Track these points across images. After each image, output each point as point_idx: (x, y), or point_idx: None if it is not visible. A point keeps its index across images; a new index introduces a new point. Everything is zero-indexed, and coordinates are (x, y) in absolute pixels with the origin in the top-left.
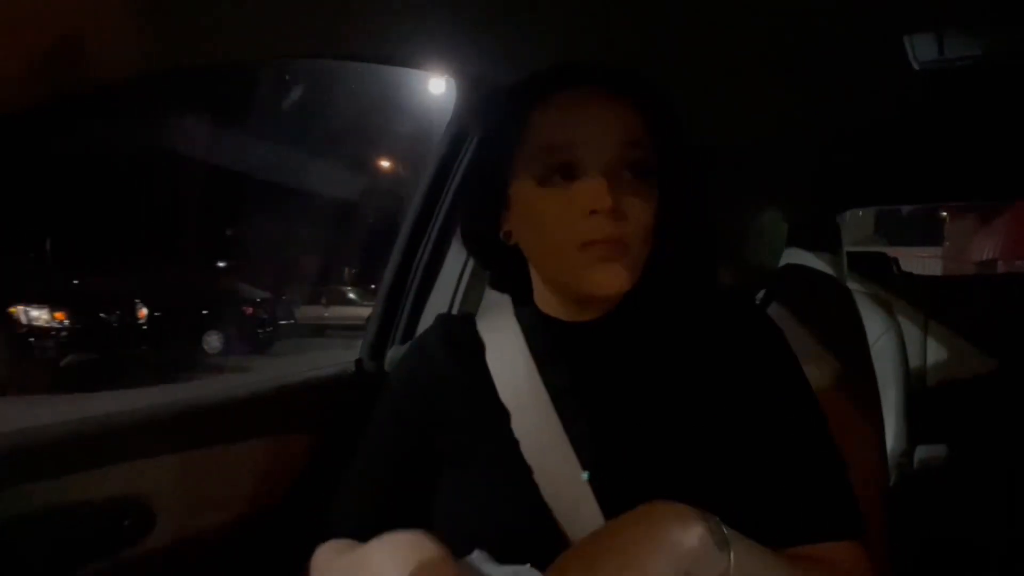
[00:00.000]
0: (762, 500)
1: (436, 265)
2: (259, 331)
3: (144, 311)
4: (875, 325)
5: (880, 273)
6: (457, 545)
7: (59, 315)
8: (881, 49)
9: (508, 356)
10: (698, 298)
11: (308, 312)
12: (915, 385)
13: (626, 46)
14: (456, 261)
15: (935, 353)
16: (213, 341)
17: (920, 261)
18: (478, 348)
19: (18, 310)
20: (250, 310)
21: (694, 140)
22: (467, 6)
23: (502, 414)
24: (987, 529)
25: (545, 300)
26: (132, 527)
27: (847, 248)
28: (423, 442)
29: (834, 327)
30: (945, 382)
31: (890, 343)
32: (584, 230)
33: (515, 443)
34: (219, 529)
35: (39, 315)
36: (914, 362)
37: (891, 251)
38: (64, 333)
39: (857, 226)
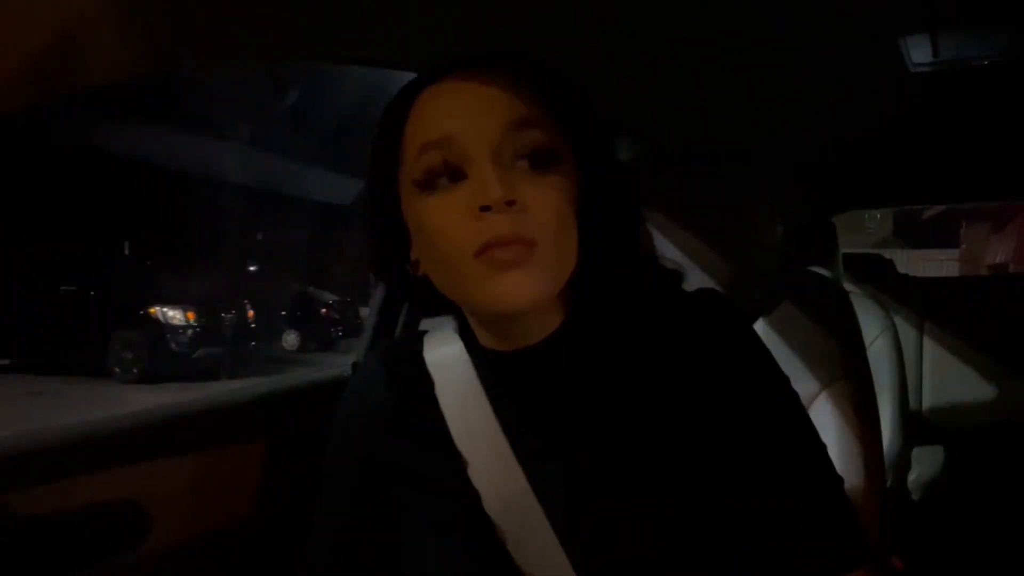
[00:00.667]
0: (756, 539)
1: None
2: (331, 330)
3: (252, 312)
4: (871, 326)
5: (876, 274)
6: None
7: (190, 315)
8: (876, 51)
9: (458, 392)
10: (655, 304)
11: (365, 313)
12: (912, 386)
13: (620, 50)
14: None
15: (931, 354)
16: (291, 339)
17: (939, 263)
18: (427, 382)
19: (157, 311)
20: (325, 311)
21: (691, 144)
22: (466, 9)
23: (458, 462)
24: (984, 530)
25: (477, 330)
26: (129, 531)
27: (855, 249)
28: (380, 488)
29: (830, 328)
30: (942, 383)
31: (886, 344)
32: (476, 232)
33: (477, 497)
34: (216, 533)
35: (174, 315)
36: (910, 363)
37: (910, 253)
38: (195, 330)
39: (876, 229)
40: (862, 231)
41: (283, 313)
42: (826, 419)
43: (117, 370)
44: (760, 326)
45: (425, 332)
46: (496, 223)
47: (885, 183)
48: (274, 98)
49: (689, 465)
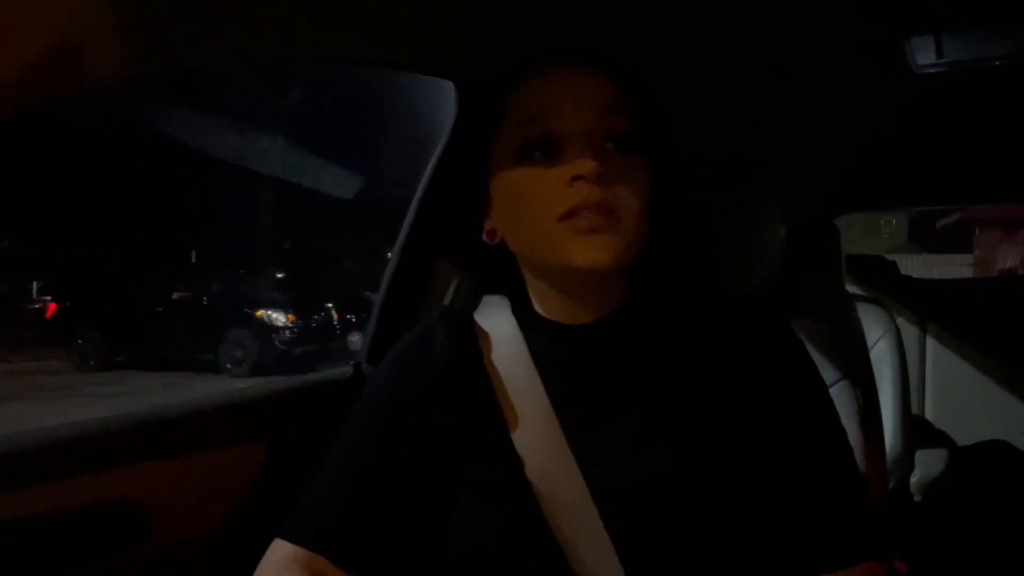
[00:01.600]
0: (781, 524)
1: (435, 268)
2: None
3: (336, 315)
4: (874, 328)
5: (879, 276)
6: (452, 570)
7: (291, 317)
8: (880, 53)
9: (508, 362)
10: (706, 298)
11: None
12: (914, 388)
13: (627, 50)
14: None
15: (934, 356)
16: (355, 339)
17: (953, 268)
18: (477, 351)
19: (263, 314)
20: None
21: (695, 146)
22: (469, 9)
23: (503, 428)
24: (987, 533)
25: (541, 301)
26: (128, 531)
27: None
28: (413, 448)
29: (833, 330)
30: (944, 385)
31: (889, 346)
32: (566, 197)
33: (520, 463)
34: (215, 533)
35: (278, 317)
36: (913, 365)
37: (927, 258)
38: (293, 330)
39: (892, 235)
40: (877, 236)
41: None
42: None
43: (229, 366)
44: None
45: (478, 301)
46: (584, 190)
47: (889, 185)
48: (281, 95)
49: (734, 450)
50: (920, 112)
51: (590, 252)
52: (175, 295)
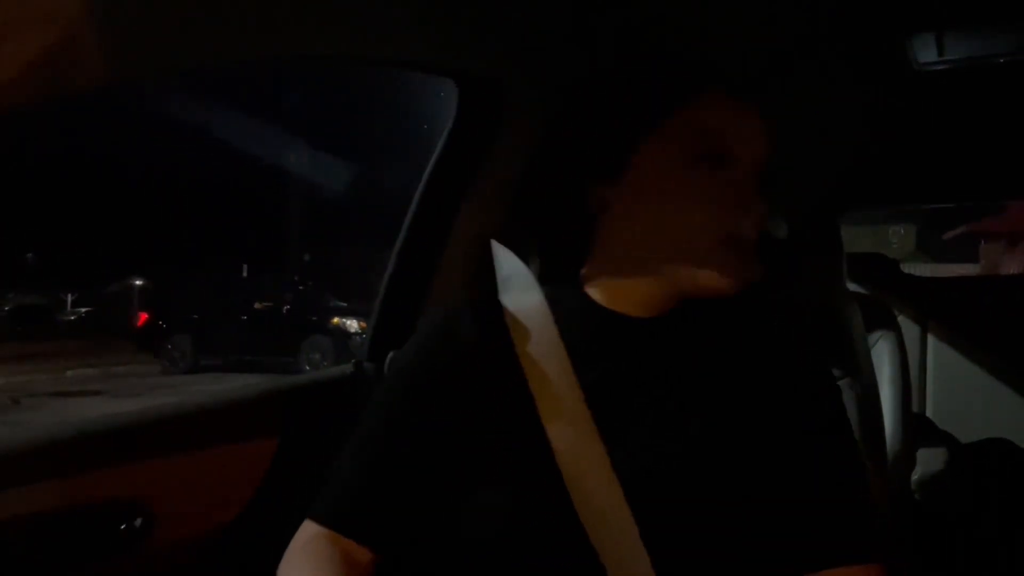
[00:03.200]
0: (790, 521)
1: (435, 266)
2: None
3: None
4: (874, 326)
5: (880, 274)
6: (476, 552)
7: (362, 324)
8: (881, 51)
9: (538, 345)
10: (750, 301)
11: None
12: (915, 386)
13: (625, 48)
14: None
15: (935, 354)
16: None
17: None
18: (505, 332)
19: (339, 321)
20: None
21: None
22: (470, 9)
23: (531, 411)
24: (988, 531)
25: (608, 287)
26: (132, 529)
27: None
28: (437, 429)
29: (834, 328)
30: (946, 383)
31: (890, 344)
32: (731, 224)
33: (547, 447)
34: (218, 531)
35: (351, 323)
36: (914, 363)
37: (934, 267)
38: (364, 335)
39: (900, 243)
40: (886, 246)
41: None
42: None
43: (308, 368)
44: None
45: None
46: (751, 224)
47: (890, 182)
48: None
49: (751, 454)
50: (921, 110)
51: (736, 280)
52: (257, 304)
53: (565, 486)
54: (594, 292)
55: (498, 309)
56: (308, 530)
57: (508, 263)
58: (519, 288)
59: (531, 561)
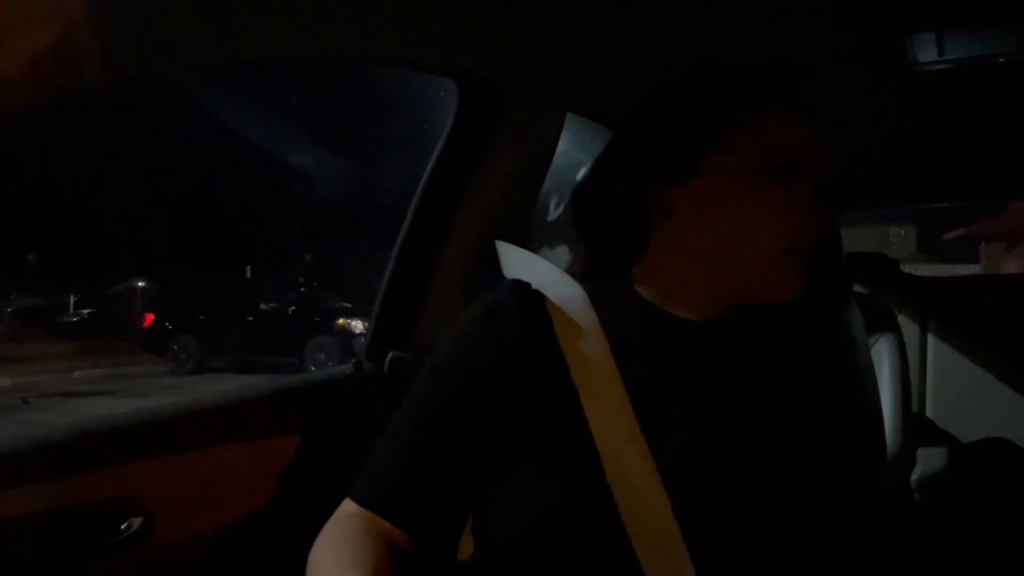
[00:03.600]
0: (832, 528)
1: (435, 266)
2: None
3: None
4: (874, 325)
5: (880, 273)
6: (513, 543)
7: (366, 324)
8: (882, 51)
9: (582, 337)
10: (797, 307)
11: None
12: (915, 385)
13: (625, 47)
14: (454, 260)
15: (935, 353)
16: None
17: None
18: (548, 324)
19: (344, 322)
20: None
21: None
22: (470, 8)
23: (573, 403)
24: (988, 531)
25: (657, 285)
26: (131, 529)
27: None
28: (477, 417)
29: (833, 327)
30: (946, 382)
31: (889, 343)
32: (794, 236)
33: (589, 440)
34: (217, 530)
35: (356, 324)
36: (914, 362)
37: (934, 268)
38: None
39: (900, 243)
40: (886, 247)
41: None
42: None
43: (313, 368)
44: None
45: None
46: (814, 236)
47: (889, 182)
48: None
49: (793, 459)
50: (921, 109)
51: (796, 290)
52: (263, 306)
53: (606, 480)
54: (646, 291)
55: (540, 301)
56: (347, 507)
57: (530, 260)
58: (560, 281)
59: (568, 554)
